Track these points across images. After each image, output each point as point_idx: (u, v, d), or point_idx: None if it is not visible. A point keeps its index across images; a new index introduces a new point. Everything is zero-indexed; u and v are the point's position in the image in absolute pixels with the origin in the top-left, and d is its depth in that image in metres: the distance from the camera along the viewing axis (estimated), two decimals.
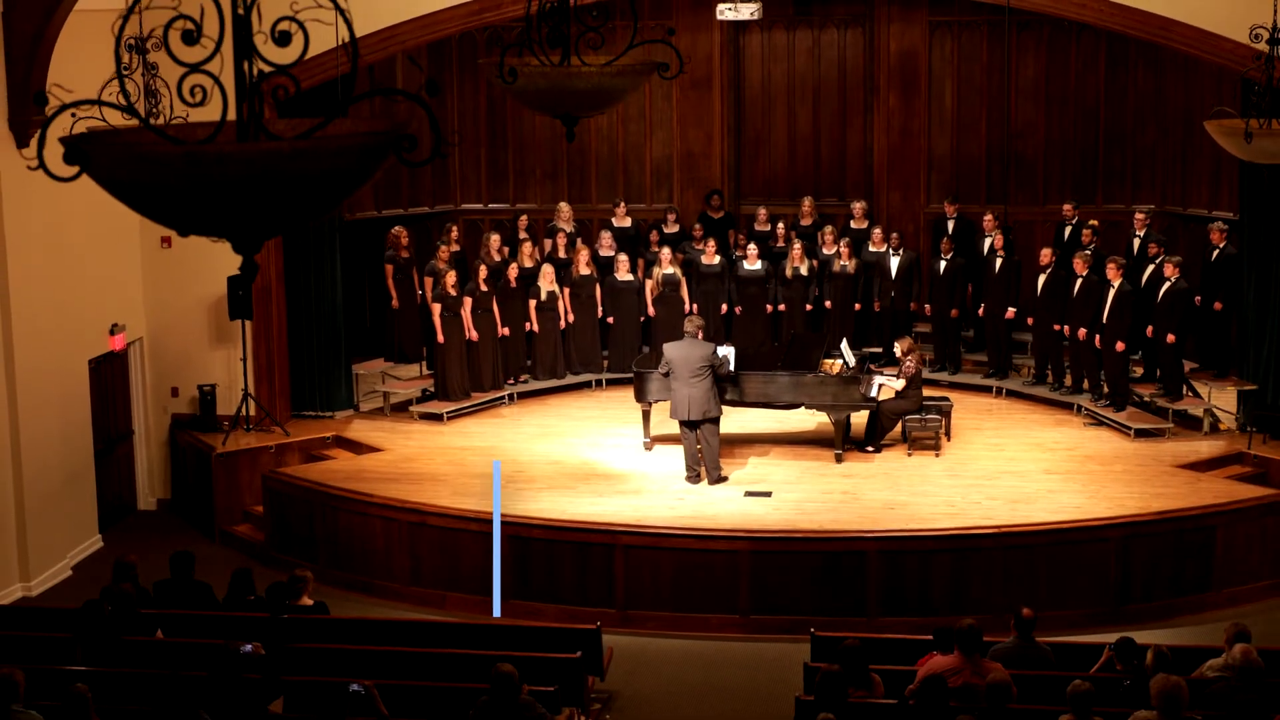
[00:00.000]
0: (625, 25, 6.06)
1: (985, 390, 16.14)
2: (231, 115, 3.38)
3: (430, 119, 3.19)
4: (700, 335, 13.36)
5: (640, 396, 14.11)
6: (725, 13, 11.91)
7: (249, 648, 8.75)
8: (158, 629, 10.06)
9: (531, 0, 5.88)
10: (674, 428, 13.79)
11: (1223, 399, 14.94)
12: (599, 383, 16.58)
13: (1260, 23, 10.75)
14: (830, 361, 14.30)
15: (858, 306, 16.59)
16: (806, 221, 17.39)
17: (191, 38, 3.22)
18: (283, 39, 3.11)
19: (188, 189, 2.91)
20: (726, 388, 13.63)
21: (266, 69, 3.12)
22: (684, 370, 13.07)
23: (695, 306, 16.53)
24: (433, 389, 15.69)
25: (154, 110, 9.26)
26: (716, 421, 13.27)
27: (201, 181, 2.89)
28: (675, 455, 13.75)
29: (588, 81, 5.73)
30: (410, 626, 10.52)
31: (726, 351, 13.74)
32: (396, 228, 16.30)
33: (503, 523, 12.34)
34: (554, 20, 5.90)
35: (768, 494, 13.01)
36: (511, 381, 16.12)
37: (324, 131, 3.06)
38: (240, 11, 3.08)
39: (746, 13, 11.80)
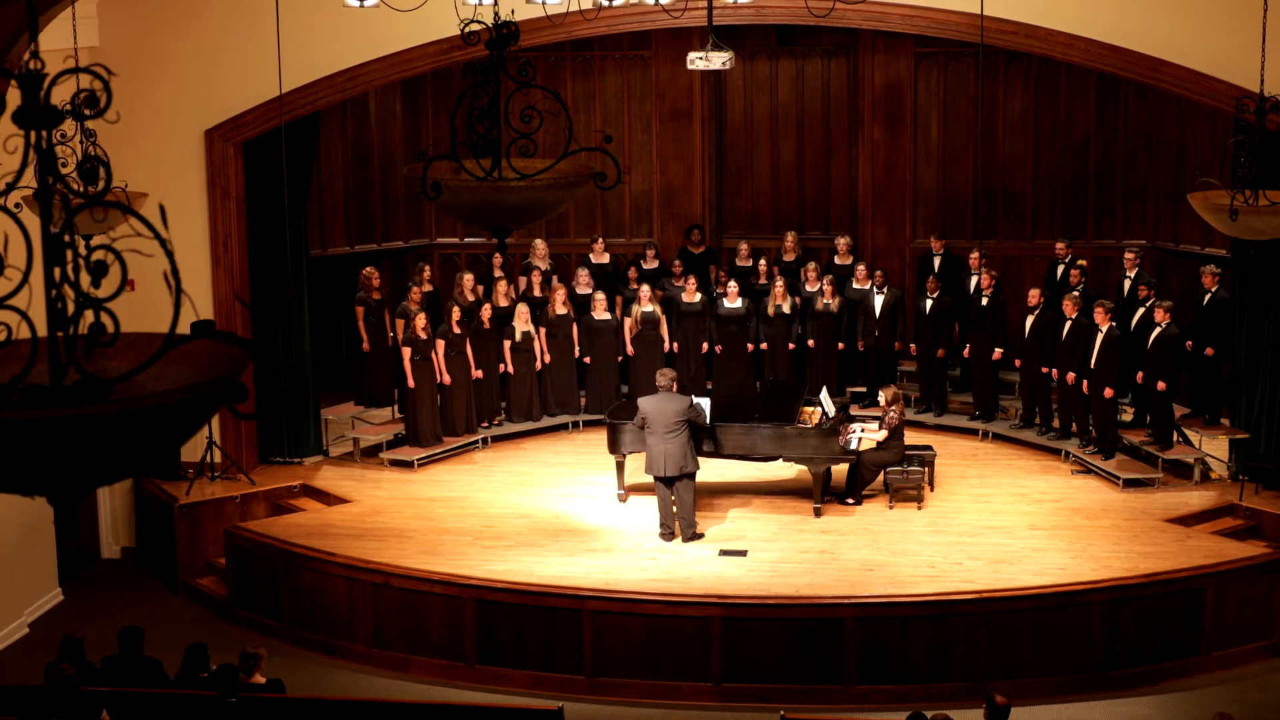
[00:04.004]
0: (560, 126, 5.66)
1: (971, 433, 15.74)
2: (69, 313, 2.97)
3: (252, 366, 2.81)
4: (674, 388, 12.96)
5: (614, 448, 13.72)
6: (696, 62, 11.49)
7: None
8: (103, 710, 9.69)
9: (457, 107, 5.49)
10: (648, 478, 13.40)
11: (1214, 447, 14.56)
12: (575, 424, 16.18)
13: (1252, 62, 10.40)
14: (810, 410, 13.91)
15: (841, 346, 16.19)
16: (789, 257, 16.99)
17: None
18: (98, 269, 2.72)
19: None
20: (703, 439, 13.25)
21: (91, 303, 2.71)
22: (659, 424, 12.68)
23: (675, 345, 16.15)
24: (404, 433, 15.29)
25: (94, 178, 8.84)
26: (693, 476, 12.88)
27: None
28: (649, 508, 13.35)
29: (517, 195, 5.34)
30: (369, 707, 10.14)
31: (701, 402, 13.33)
32: (368, 268, 15.89)
33: (468, 586, 11.98)
34: (485, 125, 5.51)
35: (743, 553, 12.62)
36: (485, 425, 15.72)
37: (147, 385, 2.67)
38: (53, 230, 2.69)
39: (718, 62, 11.38)
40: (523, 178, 5.44)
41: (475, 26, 5.55)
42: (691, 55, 11.62)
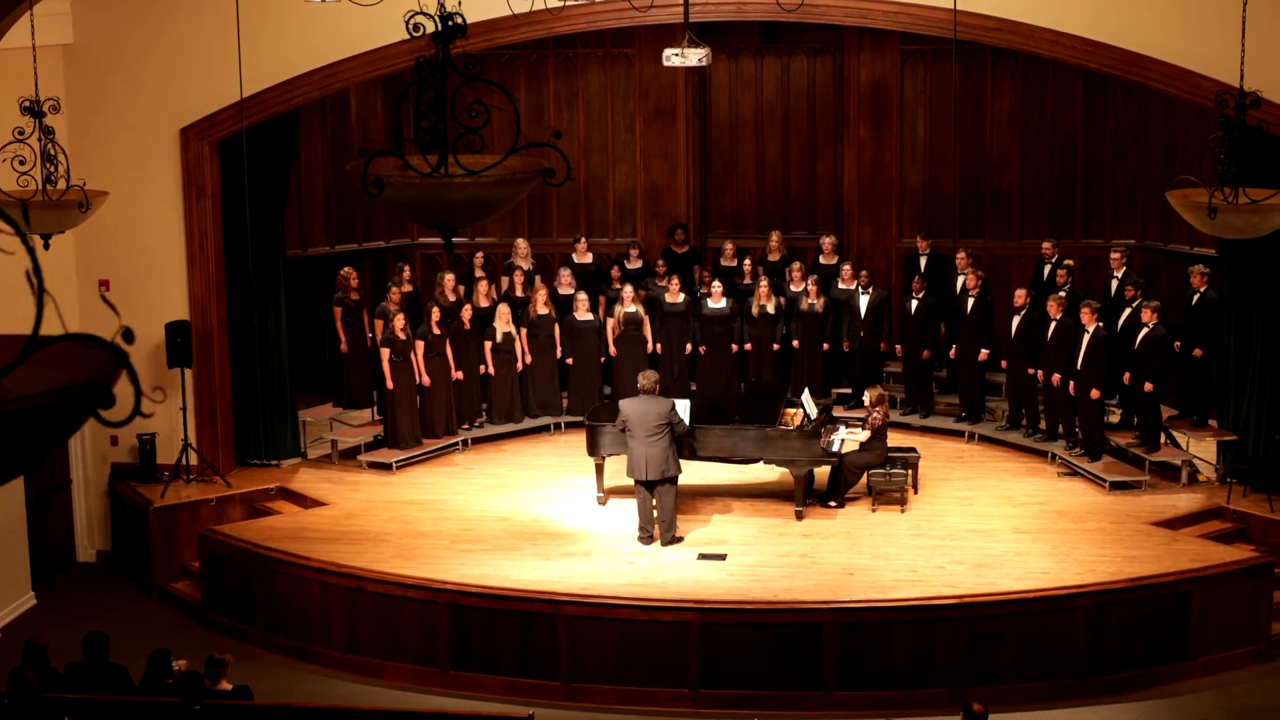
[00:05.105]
0: (509, 122, 5.48)
1: (957, 435, 15.56)
2: None
3: (130, 374, 2.64)
4: (657, 390, 12.78)
5: (594, 450, 13.54)
6: (673, 59, 11.31)
7: None
8: (64, 717, 9.52)
9: (402, 101, 5.32)
10: (629, 480, 13.23)
11: (1202, 449, 14.38)
12: (557, 426, 15.99)
13: (1238, 59, 10.21)
14: (791, 411, 13.74)
15: (826, 346, 16.01)
16: (774, 257, 16.81)
17: None
18: None
19: None
20: (685, 442, 13.05)
21: None
22: (640, 428, 12.49)
23: (659, 346, 15.97)
24: (383, 435, 15.11)
25: (52, 175, 8.70)
26: (674, 481, 12.69)
27: None
28: (629, 510, 13.16)
29: (462, 193, 5.16)
30: (337, 714, 9.98)
31: (680, 405, 13.13)
32: (346, 269, 15.71)
33: (443, 590, 11.80)
34: (430, 119, 5.34)
35: (722, 557, 12.44)
36: (466, 426, 15.54)
37: (15, 390, 2.50)
38: None
39: (695, 59, 11.20)
40: (469, 174, 5.26)
41: (422, 19, 5.37)
42: (668, 51, 11.44)
